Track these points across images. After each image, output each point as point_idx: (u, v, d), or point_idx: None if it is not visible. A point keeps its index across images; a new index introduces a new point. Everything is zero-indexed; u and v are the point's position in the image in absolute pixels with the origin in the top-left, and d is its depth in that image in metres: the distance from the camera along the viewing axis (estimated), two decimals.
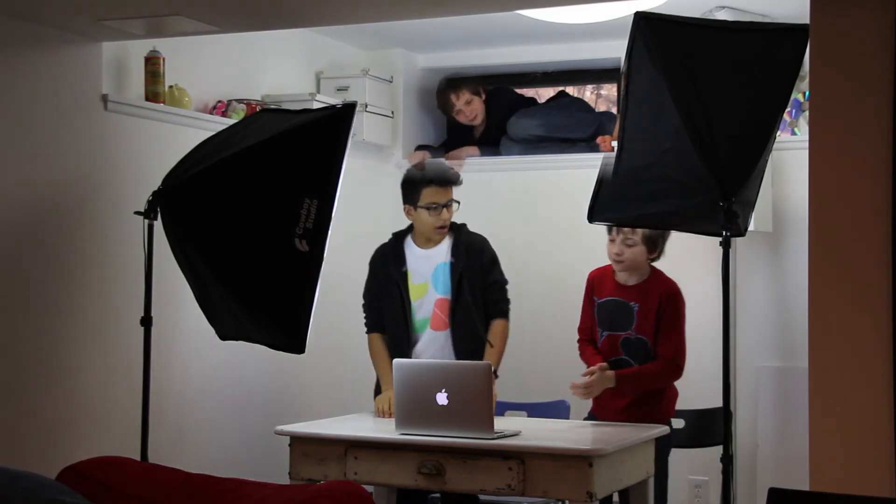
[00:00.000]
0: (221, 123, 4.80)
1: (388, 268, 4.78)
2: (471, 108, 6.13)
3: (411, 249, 4.80)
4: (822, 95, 3.43)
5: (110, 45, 4.50)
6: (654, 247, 4.54)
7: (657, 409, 4.54)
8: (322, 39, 5.83)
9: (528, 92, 6.49)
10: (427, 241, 4.77)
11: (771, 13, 5.23)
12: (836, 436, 3.37)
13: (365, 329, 4.82)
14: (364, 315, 4.84)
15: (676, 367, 4.51)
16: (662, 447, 4.42)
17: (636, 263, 4.53)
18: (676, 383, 4.62)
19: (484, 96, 6.17)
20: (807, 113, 5.40)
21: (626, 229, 4.45)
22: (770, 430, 5.46)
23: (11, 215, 4.11)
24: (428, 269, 4.75)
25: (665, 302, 4.51)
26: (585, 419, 4.67)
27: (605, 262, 4.74)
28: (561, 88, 6.36)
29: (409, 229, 4.85)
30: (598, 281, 4.65)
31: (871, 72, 3.35)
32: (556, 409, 4.92)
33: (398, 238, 4.85)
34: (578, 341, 4.72)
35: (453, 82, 6.14)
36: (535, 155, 6.01)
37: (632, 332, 4.51)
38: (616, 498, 4.42)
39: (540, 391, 5.39)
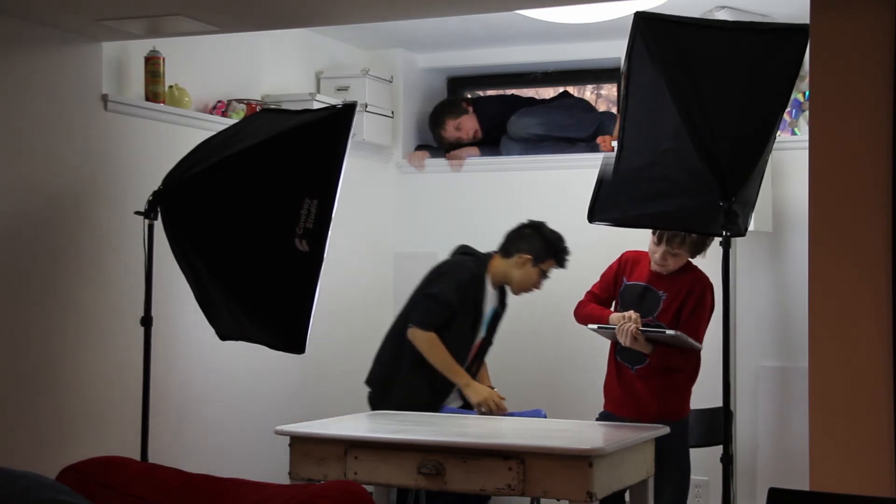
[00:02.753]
0: (221, 123, 4.80)
1: (479, 293, 4.85)
2: (465, 130, 6.13)
3: (487, 285, 4.90)
4: (822, 95, 3.43)
5: (110, 45, 4.50)
6: (699, 251, 4.54)
7: (682, 407, 4.62)
8: (322, 39, 5.83)
9: (528, 92, 6.50)
10: (495, 285, 4.93)
11: (771, 13, 5.23)
12: (836, 436, 3.37)
13: (421, 323, 4.75)
14: (432, 310, 4.77)
15: (697, 352, 4.54)
16: (683, 441, 4.53)
17: (677, 266, 4.57)
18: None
19: (471, 108, 6.17)
20: (807, 113, 5.40)
21: (674, 239, 4.43)
22: (770, 430, 5.46)
23: (11, 215, 4.11)
24: (488, 310, 4.94)
25: (692, 291, 4.52)
26: (598, 419, 4.67)
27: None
28: (563, 89, 6.37)
29: (487, 263, 4.88)
30: (633, 263, 4.65)
31: (871, 72, 3.34)
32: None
33: (481, 267, 4.89)
34: (585, 301, 4.69)
35: (435, 118, 6.16)
36: (535, 155, 6.01)
37: (652, 318, 4.52)
38: (628, 497, 4.41)
39: (517, 399, 5.43)
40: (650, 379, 4.54)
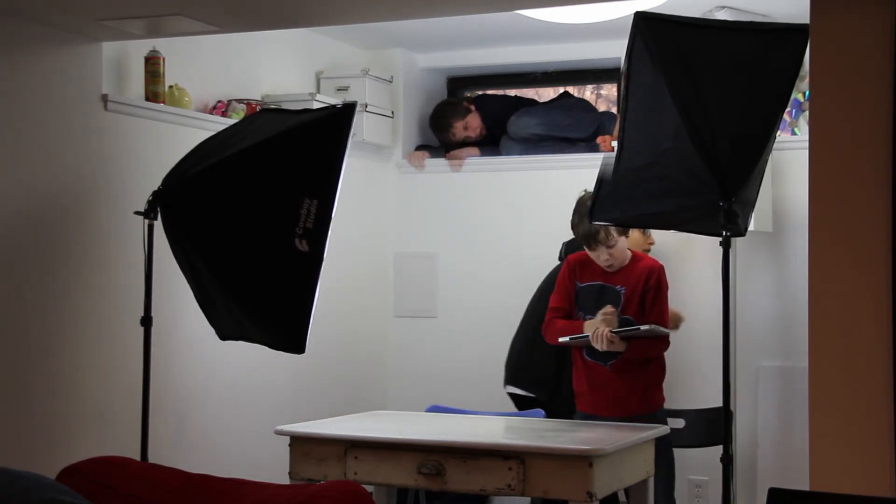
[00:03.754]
0: (221, 123, 4.80)
1: None
2: (471, 128, 6.13)
3: None
4: (822, 95, 3.43)
5: (110, 45, 4.50)
6: (627, 227, 4.56)
7: (659, 397, 4.60)
8: (322, 39, 5.83)
9: (528, 92, 6.50)
10: None
11: (771, 13, 5.23)
12: (836, 436, 3.37)
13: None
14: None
15: (666, 337, 4.56)
16: (665, 443, 4.48)
17: (623, 255, 4.57)
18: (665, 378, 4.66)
19: (473, 107, 6.17)
20: (807, 113, 5.40)
21: (597, 235, 4.45)
22: (770, 430, 5.46)
23: (11, 215, 4.11)
24: None
25: (649, 280, 4.54)
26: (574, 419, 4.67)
27: None
28: (564, 89, 6.37)
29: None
30: (581, 264, 4.63)
31: (871, 72, 3.34)
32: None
33: None
34: (549, 320, 4.65)
35: (440, 122, 6.15)
36: (535, 155, 6.01)
37: (623, 317, 4.52)
38: (624, 497, 4.42)
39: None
40: (626, 374, 4.53)
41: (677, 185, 3.88)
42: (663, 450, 4.52)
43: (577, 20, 4.80)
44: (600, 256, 4.52)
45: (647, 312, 4.51)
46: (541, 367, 4.98)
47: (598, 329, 4.41)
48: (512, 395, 5.14)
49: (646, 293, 4.53)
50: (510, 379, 5.14)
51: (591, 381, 4.59)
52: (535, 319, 4.95)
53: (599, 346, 4.42)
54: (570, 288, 4.63)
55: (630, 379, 4.54)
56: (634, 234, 4.77)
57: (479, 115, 6.16)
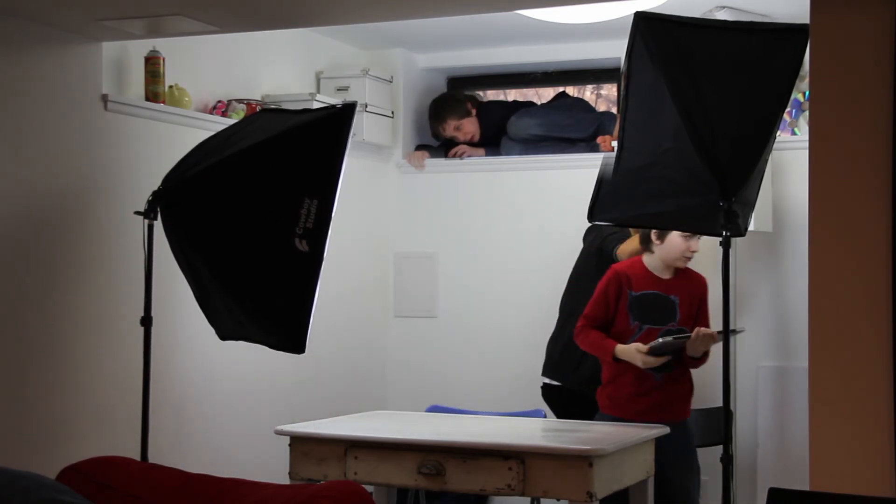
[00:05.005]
0: (221, 123, 4.80)
1: None
2: (463, 132, 6.13)
3: None
4: (822, 96, 3.43)
5: (110, 45, 4.50)
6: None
7: (683, 408, 4.63)
8: (322, 39, 5.83)
9: (528, 92, 6.50)
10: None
11: (771, 13, 5.23)
12: (836, 436, 3.37)
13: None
14: None
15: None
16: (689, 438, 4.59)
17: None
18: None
19: (475, 111, 6.16)
20: (807, 113, 5.40)
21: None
22: (770, 430, 5.46)
23: (11, 215, 4.11)
24: None
25: (701, 294, 4.59)
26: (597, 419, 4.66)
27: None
28: (561, 89, 6.37)
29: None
30: (632, 274, 4.59)
31: (871, 72, 3.34)
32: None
33: None
34: (582, 327, 4.59)
35: (437, 112, 6.15)
36: (535, 155, 6.01)
37: (674, 325, 4.53)
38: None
39: (517, 399, 5.44)
40: (679, 382, 4.58)
41: (677, 185, 3.88)
42: (694, 455, 4.62)
43: (577, 20, 4.80)
44: (693, 244, 4.50)
45: (698, 322, 4.54)
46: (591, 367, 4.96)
47: (700, 330, 4.41)
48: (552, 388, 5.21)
49: (700, 304, 4.56)
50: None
51: (638, 389, 4.54)
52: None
53: (701, 348, 4.43)
54: (613, 299, 4.55)
55: (681, 387, 4.60)
56: (676, 239, 4.69)
57: (477, 122, 6.15)
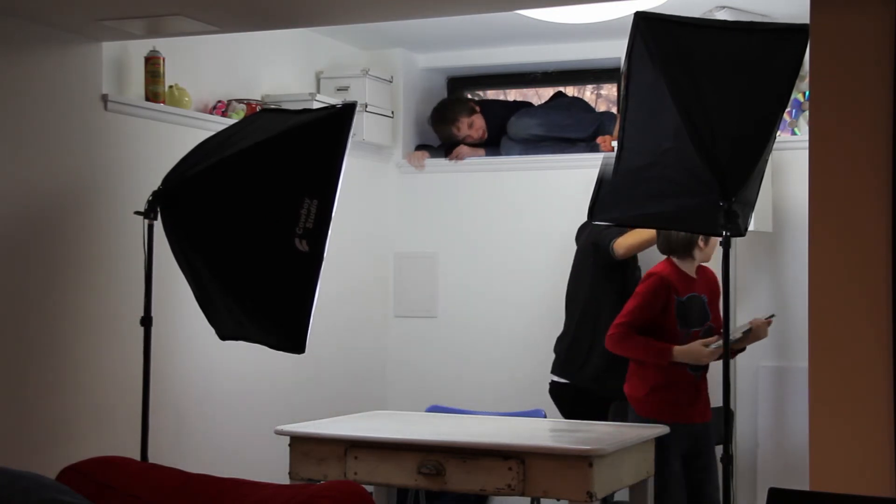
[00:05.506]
0: (221, 123, 4.80)
1: None
2: (476, 127, 6.13)
3: None
4: (822, 96, 3.43)
5: (110, 45, 4.50)
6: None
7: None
8: (322, 39, 5.83)
9: (528, 92, 6.49)
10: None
11: (771, 13, 5.23)
12: (836, 436, 3.37)
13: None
14: None
15: None
16: None
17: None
18: None
19: (479, 109, 6.17)
20: (807, 113, 5.40)
21: None
22: (770, 430, 5.46)
23: (11, 215, 4.11)
24: None
25: (718, 288, 4.59)
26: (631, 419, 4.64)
27: None
28: (559, 89, 6.36)
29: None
30: (673, 279, 4.55)
31: (871, 72, 3.34)
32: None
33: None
34: (623, 333, 4.49)
35: (446, 115, 6.13)
36: (535, 155, 6.01)
37: (710, 325, 4.57)
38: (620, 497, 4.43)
39: (517, 399, 5.44)
40: (704, 380, 4.63)
41: (677, 185, 3.88)
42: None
43: (577, 20, 4.80)
44: (714, 244, 4.53)
45: (713, 319, 4.60)
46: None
47: (756, 319, 4.49)
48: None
49: (718, 299, 4.58)
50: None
51: (681, 387, 4.54)
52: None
53: (764, 335, 4.54)
54: (660, 305, 4.50)
55: (704, 384, 4.64)
56: (714, 239, 4.59)
57: (483, 119, 6.16)
